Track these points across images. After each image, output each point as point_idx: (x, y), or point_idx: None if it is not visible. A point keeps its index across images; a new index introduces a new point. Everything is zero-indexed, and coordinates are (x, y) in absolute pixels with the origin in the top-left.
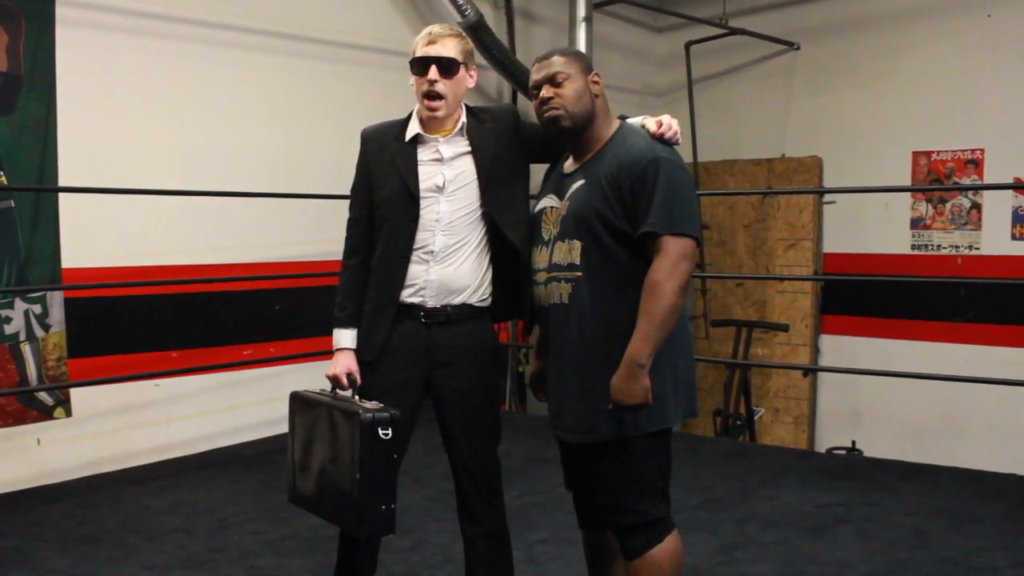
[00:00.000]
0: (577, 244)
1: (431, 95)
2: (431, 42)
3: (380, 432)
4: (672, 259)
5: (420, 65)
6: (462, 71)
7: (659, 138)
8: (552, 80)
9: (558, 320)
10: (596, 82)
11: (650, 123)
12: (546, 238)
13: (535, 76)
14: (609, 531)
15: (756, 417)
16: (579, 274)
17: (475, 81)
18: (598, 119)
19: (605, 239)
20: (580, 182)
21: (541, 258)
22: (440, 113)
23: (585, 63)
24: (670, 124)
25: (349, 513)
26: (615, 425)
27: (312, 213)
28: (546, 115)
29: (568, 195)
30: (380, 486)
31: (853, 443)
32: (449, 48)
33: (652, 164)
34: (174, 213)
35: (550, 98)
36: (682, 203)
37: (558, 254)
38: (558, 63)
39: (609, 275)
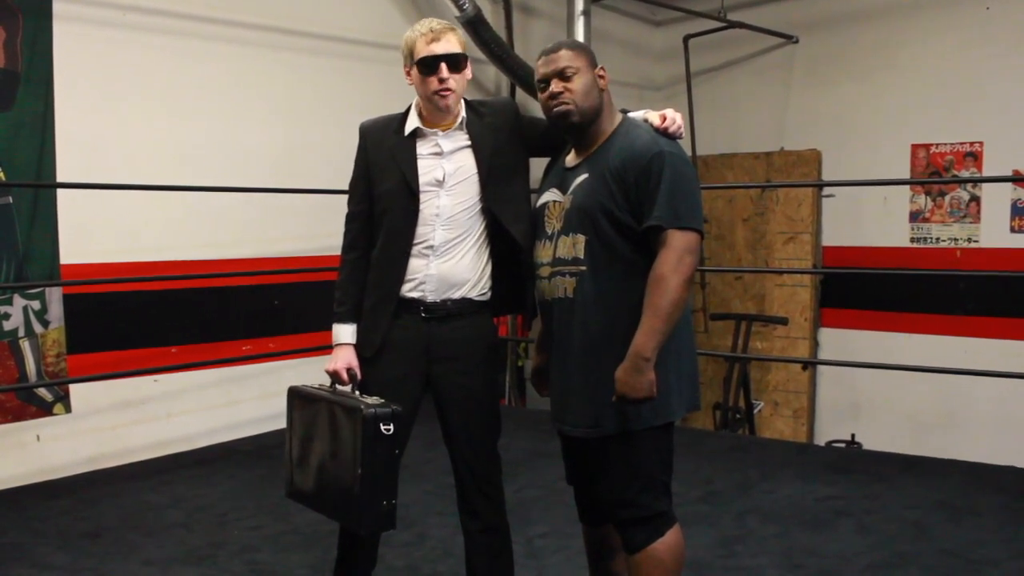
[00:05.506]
0: (581, 238)
1: (444, 91)
2: (434, 39)
3: (382, 427)
4: (677, 253)
5: (430, 65)
6: (467, 63)
7: (663, 132)
8: (561, 74)
9: (562, 314)
10: (602, 76)
11: (653, 117)
12: (549, 232)
13: (543, 69)
14: (610, 525)
15: (755, 411)
16: (583, 268)
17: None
18: (603, 113)
19: (609, 233)
20: (584, 176)
21: (544, 252)
22: (451, 102)
23: (591, 56)
24: (674, 118)
25: (350, 509)
26: (619, 419)
27: (311, 208)
28: (555, 110)
29: (572, 189)
30: (381, 482)
31: (852, 436)
32: (453, 43)
33: (657, 158)
34: (172, 209)
35: (560, 93)
36: (687, 197)
37: (562, 248)
38: (567, 57)
39: (613, 269)
